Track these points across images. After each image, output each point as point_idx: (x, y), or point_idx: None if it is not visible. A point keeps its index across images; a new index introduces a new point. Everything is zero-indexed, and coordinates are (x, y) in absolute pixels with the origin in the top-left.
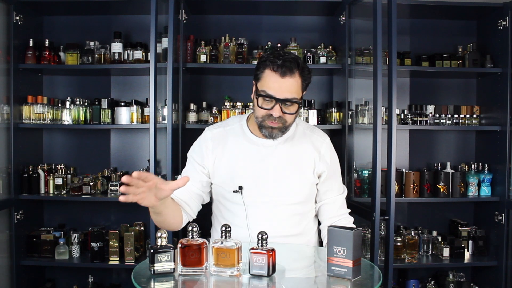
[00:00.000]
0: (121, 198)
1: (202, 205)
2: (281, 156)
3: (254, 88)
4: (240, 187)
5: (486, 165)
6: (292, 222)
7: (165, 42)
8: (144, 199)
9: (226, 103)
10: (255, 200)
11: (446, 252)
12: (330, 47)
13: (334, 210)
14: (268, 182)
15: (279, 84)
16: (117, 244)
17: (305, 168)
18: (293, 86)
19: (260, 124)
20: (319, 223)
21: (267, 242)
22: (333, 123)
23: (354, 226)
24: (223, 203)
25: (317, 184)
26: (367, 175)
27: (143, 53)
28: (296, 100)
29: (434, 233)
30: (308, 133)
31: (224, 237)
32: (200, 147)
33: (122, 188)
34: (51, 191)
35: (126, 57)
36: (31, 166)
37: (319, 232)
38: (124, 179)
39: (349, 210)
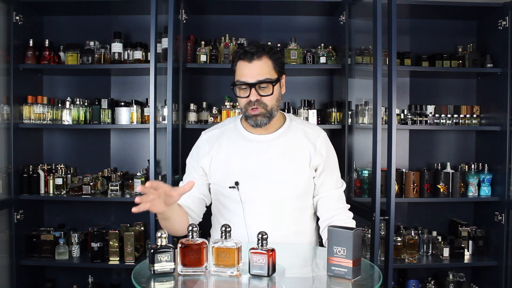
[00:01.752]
0: (134, 210)
1: (206, 207)
2: (275, 151)
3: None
4: (236, 183)
5: (486, 165)
6: (290, 219)
7: (165, 42)
8: (154, 205)
9: (226, 103)
10: (252, 196)
11: (446, 252)
12: (330, 47)
13: (332, 204)
14: (263, 177)
15: (249, 69)
16: (117, 244)
17: (301, 161)
18: (262, 68)
19: (245, 115)
20: (317, 222)
21: (267, 242)
22: (333, 123)
23: (353, 221)
24: (221, 201)
25: (314, 177)
26: (367, 175)
27: (143, 53)
28: (270, 80)
29: (434, 233)
30: (302, 128)
31: (224, 237)
32: (198, 151)
33: (137, 199)
34: (51, 191)
35: (126, 57)
36: (31, 166)
37: (319, 229)
38: (140, 188)
39: (349, 206)
